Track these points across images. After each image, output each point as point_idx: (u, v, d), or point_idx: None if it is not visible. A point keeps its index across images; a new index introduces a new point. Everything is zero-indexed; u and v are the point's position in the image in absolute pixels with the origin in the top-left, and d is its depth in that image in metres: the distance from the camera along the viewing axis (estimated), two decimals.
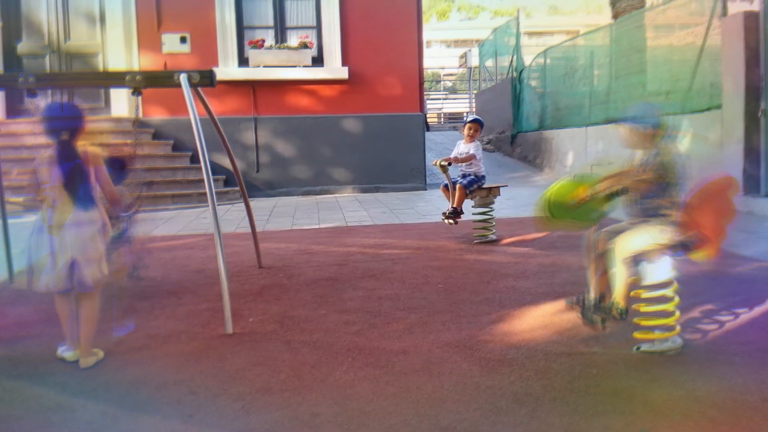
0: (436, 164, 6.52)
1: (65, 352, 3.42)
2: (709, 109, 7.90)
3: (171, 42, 11.36)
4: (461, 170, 6.56)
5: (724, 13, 7.91)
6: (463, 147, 6.57)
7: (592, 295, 3.49)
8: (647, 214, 3.30)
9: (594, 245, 3.44)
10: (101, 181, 3.44)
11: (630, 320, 3.37)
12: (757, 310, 3.91)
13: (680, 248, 3.22)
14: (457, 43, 44.83)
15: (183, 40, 11.39)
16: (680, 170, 3.25)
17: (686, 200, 3.22)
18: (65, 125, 3.38)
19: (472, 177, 6.43)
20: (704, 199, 3.21)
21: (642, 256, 3.22)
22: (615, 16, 13.30)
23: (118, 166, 4.50)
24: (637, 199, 3.33)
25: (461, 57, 28.40)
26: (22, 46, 11.32)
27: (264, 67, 11.41)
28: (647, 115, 3.36)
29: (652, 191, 3.25)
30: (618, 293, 3.33)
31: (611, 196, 3.33)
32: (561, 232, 6.74)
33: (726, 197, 3.24)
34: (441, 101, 28.21)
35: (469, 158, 6.43)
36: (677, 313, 3.27)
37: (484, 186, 6.50)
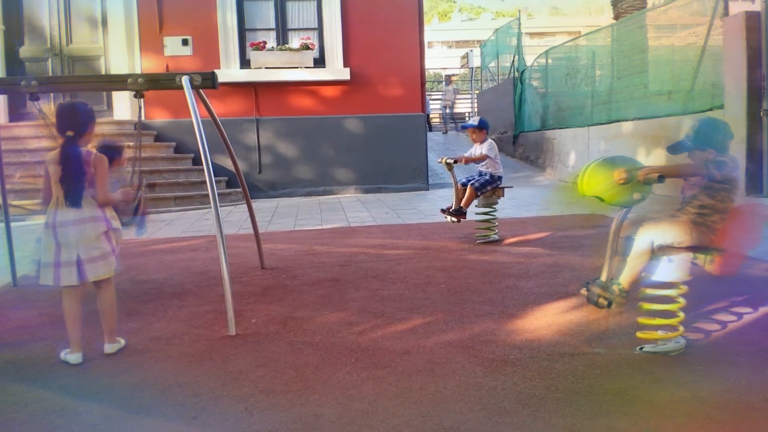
0: (442, 161, 6.50)
1: (68, 355, 3.43)
2: (711, 109, 7.89)
3: (173, 45, 11.38)
4: (478, 168, 6.55)
5: (726, 13, 7.91)
6: (476, 149, 6.56)
7: (604, 277, 3.47)
8: (683, 209, 3.29)
9: (618, 229, 3.42)
10: (98, 185, 3.45)
11: (634, 320, 3.37)
12: (761, 311, 3.91)
13: (699, 252, 3.21)
14: (459, 44, 44.83)
15: (185, 42, 11.41)
16: (734, 178, 3.23)
17: (726, 209, 3.20)
18: (71, 123, 3.43)
19: (488, 177, 6.39)
20: (736, 219, 3.20)
21: (661, 249, 3.21)
22: (616, 17, 13.28)
23: (109, 154, 4.44)
24: (681, 191, 3.31)
25: (463, 57, 28.41)
26: (24, 50, 11.35)
27: (266, 68, 11.43)
28: (707, 135, 3.31)
29: (699, 189, 3.23)
30: (626, 275, 3.32)
31: (648, 184, 3.29)
32: (564, 231, 6.74)
33: (757, 224, 3.23)
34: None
35: (480, 158, 6.42)
36: (681, 314, 3.27)
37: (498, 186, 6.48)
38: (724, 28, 7.72)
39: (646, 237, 3.24)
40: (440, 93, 21.99)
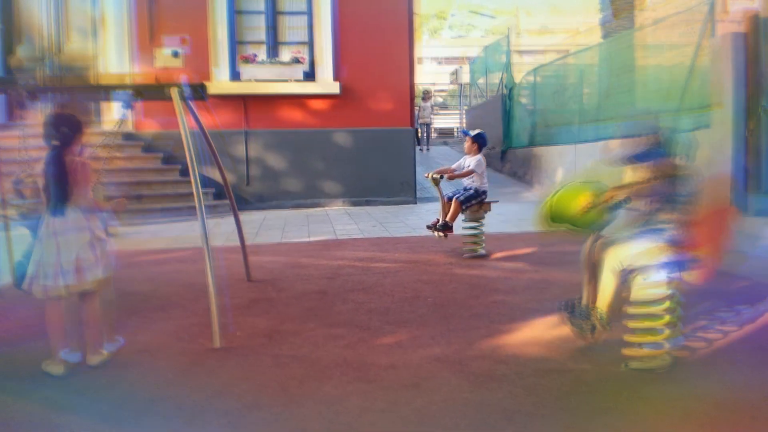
0: (428, 176, 6.51)
1: (49, 366, 3.38)
2: (697, 128, 7.97)
3: (164, 56, 11.37)
4: (464, 183, 6.56)
5: (713, 33, 8.00)
6: (466, 161, 6.58)
7: (584, 302, 3.50)
8: (649, 227, 3.33)
9: (589, 254, 3.45)
10: (79, 188, 3.42)
11: (620, 336, 3.37)
12: (746, 327, 3.91)
13: (676, 266, 3.23)
14: (449, 60, 45.06)
15: (176, 54, 11.40)
16: (689, 187, 3.27)
17: (689, 220, 3.24)
18: (58, 134, 3.42)
19: (472, 192, 6.41)
20: (705, 224, 3.23)
21: (635, 268, 3.23)
22: (605, 37, 13.42)
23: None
24: (641, 211, 3.35)
25: (452, 74, 28.60)
26: (15, 59, 11.29)
27: (256, 81, 11.44)
28: (650, 146, 3.37)
29: (658, 204, 3.27)
30: (602, 301, 3.35)
31: (614, 206, 3.33)
32: (552, 247, 6.76)
33: (727, 226, 3.28)
34: (433, 116, 28.29)
35: (466, 173, 6.43)
36: (667, 331, 3.27)
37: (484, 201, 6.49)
38: (711, 49, 7.82)
39: (618, 258, 3.27)
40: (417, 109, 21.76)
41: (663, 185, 3.24)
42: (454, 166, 6.64)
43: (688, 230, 3.23)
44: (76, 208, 3.42)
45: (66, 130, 3.46)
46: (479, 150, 6.57)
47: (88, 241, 3.44)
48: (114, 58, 11.31)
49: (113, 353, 3.61)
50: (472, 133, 6.69)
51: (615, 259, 3.27)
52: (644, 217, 3.35)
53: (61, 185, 3.38)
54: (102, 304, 3.64)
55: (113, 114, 10.92)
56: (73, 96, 5.51)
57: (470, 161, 6.50)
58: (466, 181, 6.51)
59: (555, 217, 3.43)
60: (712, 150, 7.61)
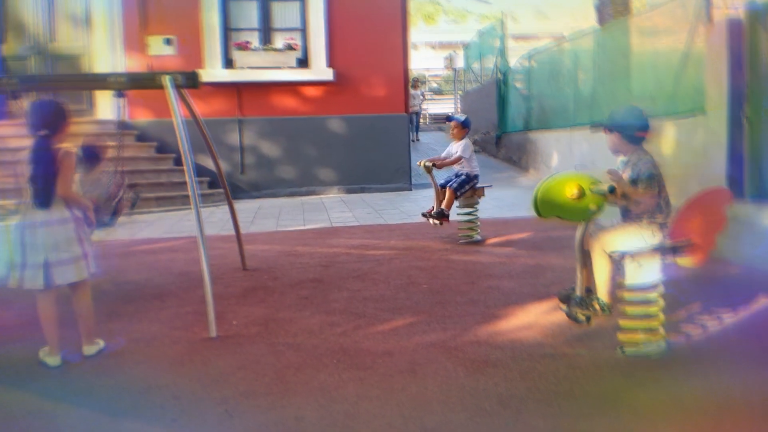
0: (420, 165, 6.51)
1: (46, 357, 3.38)
2: (692, 112, 7.97)
3: (156, 44, 11.30)
4: (454, 169, 6.56)
5: (709, 19, 7.97)
6: (453, 147, 6.58)
7: (578, 291, 3.52)
8: (638, 216, 3.35)
9: (581, 243, 3.47)
10: (60, 178, 3.33)
11: (615, 322, 3.39)
12: (741, 314, 3.93)
13: (669, 252, 3.25)
14: (444, 46, 44.93)
15: (168, 42, 11.33)
16: (662, 176, 3.30)
17: (680, 207, 3.26)
18: (44, 122, 3.37)
19: (464, 177, 6.41)
20: (697, 207, 3.26)
21: (627, 255, 3.25)
22: (601, 22, 13.37)
23: (91, 155, 4.50)
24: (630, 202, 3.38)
25: (447, 59, 28.49)
26: (6, 48, 11.21)
27: (249, 68, 11.38)
28: (635, 119, 3.43)
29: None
30: (600, 288, 3.37)
31: (600, 194, 3.35)
32: (546, 232, 6.77)
33: (719, 208, 3.30)
34: (427, 102, 28.21)
35: (455, 160, 6.43)
36: (661, 315, 3.29)
37: (476, 186, 6.50)
38: (707, 35, 7.79)
39: (610, 245, 3.30)
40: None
41: (650, 198, 3.27)
42: (443, 155, 6.64)
43: (681, 217, 3.26)
44: (62, 199, 3.37)
45: (53, 119, 3.40)
46: (466, 134, 6.59)
47: (74, 233, 3.39)
48: (106, 47, 11.23)
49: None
50: (461, 117, 6.69)
51: (605, 245, 3.29)
52: (636, 206, 3.37)
53: (46, 176, 3.30)
54: (94, 295, 3.63)
55: (112, 114, 10.91)
56: (65, 86, 5.46)
57: (456, 147, 6.50)
58: (457, 167, 6.51)
59: (544, 205, 3.43)
60: (707, 135, 7.61)
